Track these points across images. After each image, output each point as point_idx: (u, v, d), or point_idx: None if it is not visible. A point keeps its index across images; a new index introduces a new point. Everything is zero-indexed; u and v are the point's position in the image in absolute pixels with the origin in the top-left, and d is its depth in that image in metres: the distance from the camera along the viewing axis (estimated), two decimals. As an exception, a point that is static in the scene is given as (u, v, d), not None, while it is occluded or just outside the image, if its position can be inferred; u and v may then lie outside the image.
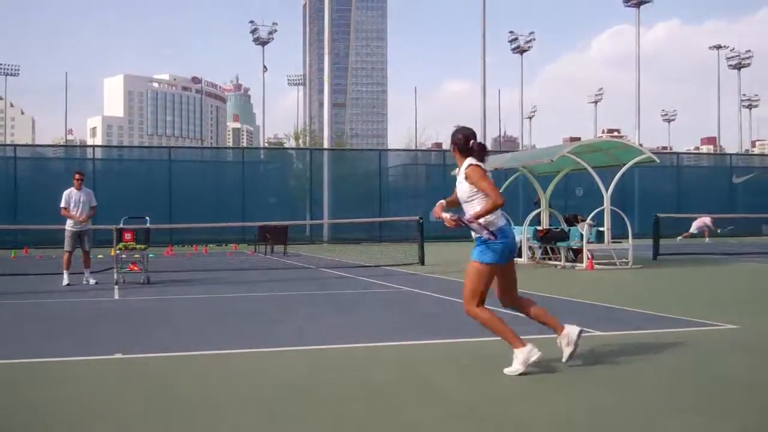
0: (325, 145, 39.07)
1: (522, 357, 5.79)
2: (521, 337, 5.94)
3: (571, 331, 6.05)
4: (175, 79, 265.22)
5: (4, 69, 79.52)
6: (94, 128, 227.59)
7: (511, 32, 71.84)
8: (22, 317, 10.02)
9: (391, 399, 5.24)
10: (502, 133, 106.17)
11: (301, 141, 62.63)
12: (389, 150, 47.68)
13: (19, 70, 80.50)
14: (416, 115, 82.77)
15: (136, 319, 9.72)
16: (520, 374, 5.76)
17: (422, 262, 18.53)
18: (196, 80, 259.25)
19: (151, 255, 16.09)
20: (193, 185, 32.84)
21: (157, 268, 16.85)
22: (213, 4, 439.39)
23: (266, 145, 71.40)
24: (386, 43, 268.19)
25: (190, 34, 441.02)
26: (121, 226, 14.51)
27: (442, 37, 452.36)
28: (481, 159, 5.99)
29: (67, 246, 14.13)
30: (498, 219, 5.93)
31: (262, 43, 70.49)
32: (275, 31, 70.23)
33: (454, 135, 6.10)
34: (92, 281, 14.09)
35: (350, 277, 15.73)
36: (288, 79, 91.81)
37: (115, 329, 8.72)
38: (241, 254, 25.04)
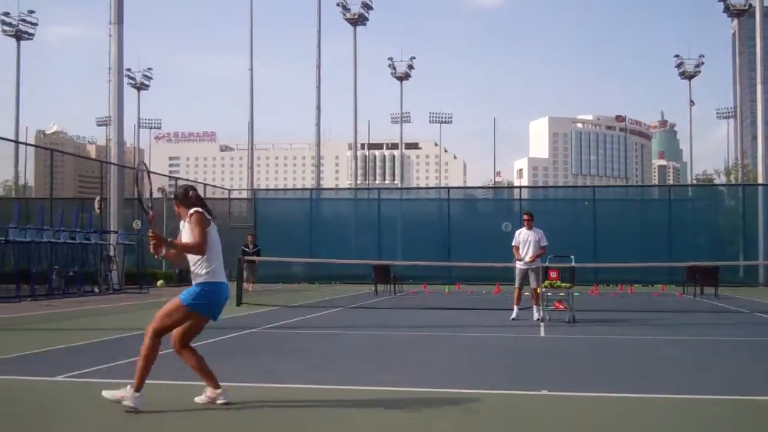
0: (760, 180, 36.45)
1: (129, 395, 5.78)
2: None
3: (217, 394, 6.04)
4: (598, 119, 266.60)
5: (439, 117, 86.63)
6: (521, 170, 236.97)
7: None
8: (456, 348, 10.84)
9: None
10: None
11: (732, 177, 59.11)
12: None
13: (451, 118, 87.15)
14: None
15: (562, 356, 9.99)
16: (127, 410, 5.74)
17: None
18: (620, 119, 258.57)
19: (576, 294, 16.37)
20: (618, 224, 32.70)
21: (582, 307, 17.07)
22: (635, 42, 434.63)
23: (694, 181, 68.44)
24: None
25: (613, 74, 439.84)
26: (546, 264, 15.01)
27: None
28: (205, 208, 6.13)
29: (516, 282, 14.94)
30: (214, 273, 6.03)
31: (689, 77, 67.97)
32: (702, 63, 67.36)
33: (175, 192, 6.39)
34: (536, 316, 14.44)
35: (790, 324, 14.48)
36: (717, 113, 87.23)
37: (541, 365, 9.05)
38: (669, 295, 24.28)
